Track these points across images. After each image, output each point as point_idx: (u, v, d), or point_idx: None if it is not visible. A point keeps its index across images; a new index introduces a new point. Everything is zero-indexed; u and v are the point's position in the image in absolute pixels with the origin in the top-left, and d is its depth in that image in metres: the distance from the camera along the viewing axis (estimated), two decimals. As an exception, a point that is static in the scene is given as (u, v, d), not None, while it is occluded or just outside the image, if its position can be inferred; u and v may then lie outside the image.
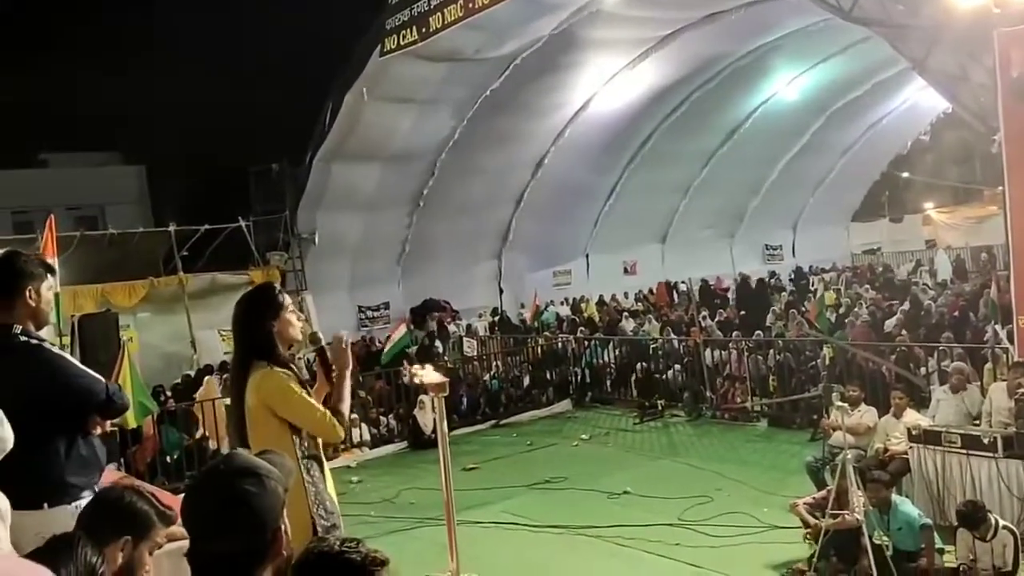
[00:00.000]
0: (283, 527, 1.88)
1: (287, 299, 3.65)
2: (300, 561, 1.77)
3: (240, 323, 3.60)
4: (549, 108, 18.07)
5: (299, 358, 3.82)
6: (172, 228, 15.74)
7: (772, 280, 24.13)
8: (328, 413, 3.49)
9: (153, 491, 1.90)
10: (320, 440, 3.64)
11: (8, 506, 1.73)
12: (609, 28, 15.12)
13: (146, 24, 23.49)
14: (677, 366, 14.12)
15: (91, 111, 22.29)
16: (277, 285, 3.95)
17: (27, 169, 22.10)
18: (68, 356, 3.35)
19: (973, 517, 6.18)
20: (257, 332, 3.52)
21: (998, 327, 9.91)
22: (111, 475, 3.76)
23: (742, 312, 18.45)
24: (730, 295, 21.98)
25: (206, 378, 12.89)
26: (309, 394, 3.57)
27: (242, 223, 16.41)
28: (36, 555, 2.06)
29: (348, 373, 3.68)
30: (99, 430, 3.31)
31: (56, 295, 4.48)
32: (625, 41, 16.13)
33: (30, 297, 3.14)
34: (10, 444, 2.50)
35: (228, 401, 11.93)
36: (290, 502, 1.96)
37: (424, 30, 13.70)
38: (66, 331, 9.92)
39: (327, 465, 3.69)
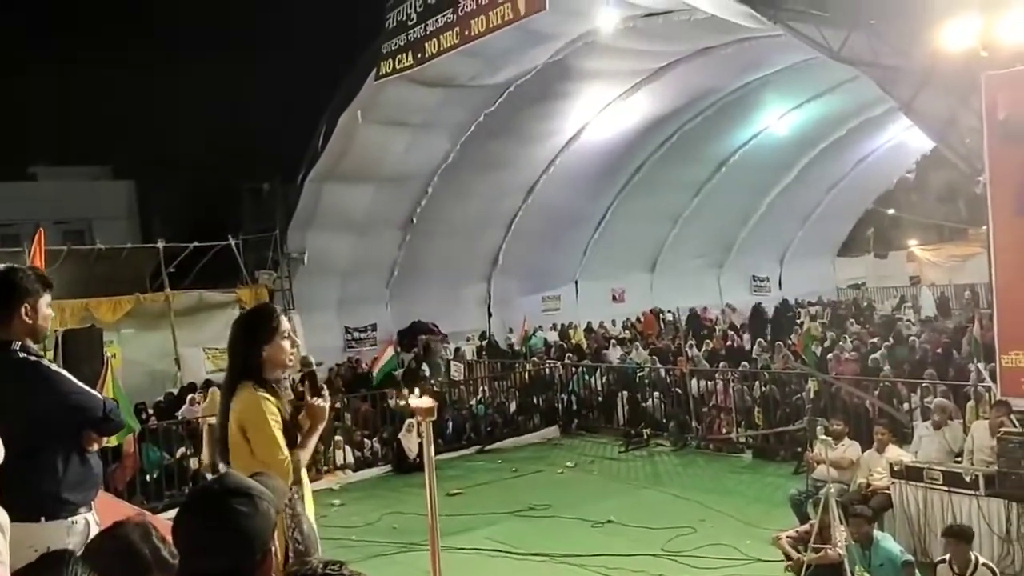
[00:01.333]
0: (273, 549, 1.89)
1: (284, 323, 3.61)
2: None
3: (233, 344, 3.60)
4: (542, 135, 18.21)
5: (284, 377, 3.75)
6: (160, 244, 15.69)
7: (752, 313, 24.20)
8: (288, 459, 3.41)
9: (164, 535, 1.89)
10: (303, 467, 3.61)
11: (7, 520, 1.73)
12: (603, 59, 15.29)
13: (142, 39, 23.60)
14: (658, 394, 14.14)
15: (83, 125, 22.32)
16: (277, 308, 3.91)
17: (16, 182, 22.00)
18: (65, 373, 3.33)
19: (967, 533, 6.23)
20: (247, 354, 3.51)
21: (980, 365, 9.99)
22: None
23: (759, 339, 18.49)
24: (719, 321, 22.03)
25: (211, 390, 12.74)
26: (296, 427, 3.54)
27: (231, 241, 16.39)
28: (28, 569, 2.06)
29: (320, 428, 3.64)
30: (95, 447, 3.30)
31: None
32: (619, 72, 16.31)
33: (26, 313, 3.14)
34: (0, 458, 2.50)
35: (211, 420, 11.88)
36: None
37: (420, 55, 13.80)
38: (50, 346, 9.84)
39: (308, 490, 3.66)
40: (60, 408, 3.13)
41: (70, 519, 3.06)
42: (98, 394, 3.32)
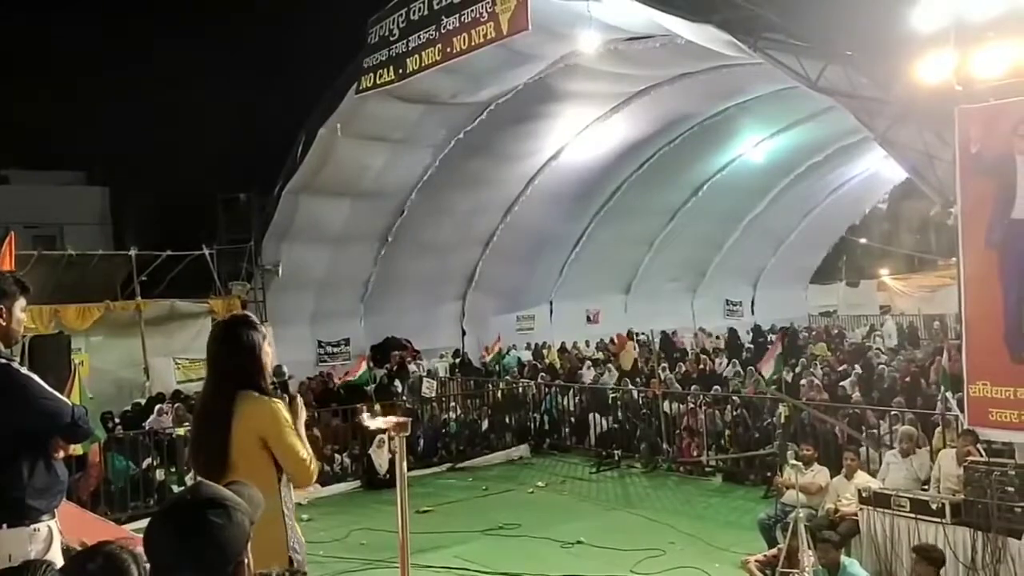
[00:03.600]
0: (246, 561, 1.86)
1: (265, 330, 3.62)
2: None
3: (226, 353, 3.46)
4: (522, 155, 18.29)
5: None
6: (133, 252, 15.48)
7: (729, 337, 24.39)
8: (313, 458, 3.41)
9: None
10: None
11: None
12: (584, 81, 15.42)
13: (118, 46, 23.39)
14: (631, 414, 14.16)
15: (57, 130, 22.06)
16: (255, 316, 3.87)
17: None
18: (36, 378, 3.28)
19: (938, 556, 6.29)
20: (244, 363, 3.41)
21: (949, 394, 10.12)
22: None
23: (732, 360, 18.64)
24: (693, 345, 22.13)
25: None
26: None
27: (205, 251, 16.22)
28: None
29: (302, 424, 3.59)
30: (62, 454, 3.24)
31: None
32: (598, 95, 16.44)
33: (1, 316, 3.09)
34: None
35: (180, 431, 11.70)
36: (269, 535, 1.94)
37: (401, 71, 13.82)
38: (17, 352, 9.67)
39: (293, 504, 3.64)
40: (28, 413, 3.08)
41: (32, 526, 3.00)
42: (67, 400, 3.26)
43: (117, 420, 13.11)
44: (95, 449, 10.62)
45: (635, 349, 19.98)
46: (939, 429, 9.92)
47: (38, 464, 3.12)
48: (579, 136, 18.02)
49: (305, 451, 3.41)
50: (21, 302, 3.20)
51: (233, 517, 1.83)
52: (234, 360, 3.43)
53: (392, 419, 4.44)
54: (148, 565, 1.83)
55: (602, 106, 17.04)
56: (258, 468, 3.28)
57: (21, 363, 9.35)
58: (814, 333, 24.12)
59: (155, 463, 11.68)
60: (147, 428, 12.51)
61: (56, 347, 10.46)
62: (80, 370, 10.70)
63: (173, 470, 11.83)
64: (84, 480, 11.04)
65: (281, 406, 3.41)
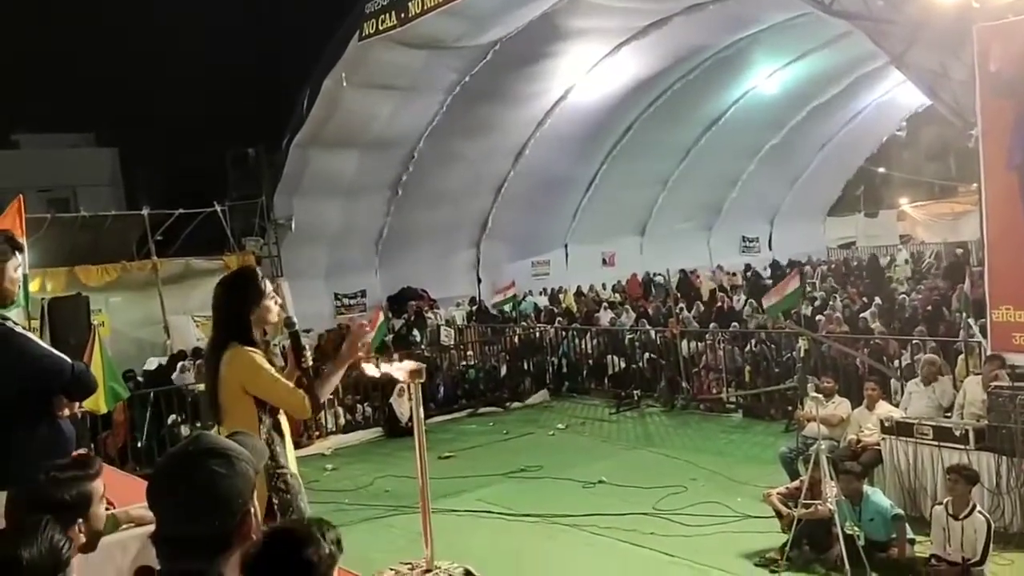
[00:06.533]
0: (252, 509, 1.83)
1: (268, 285, 3.67)
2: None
3: (220, 306, 3.63)
4: (529, 97, 17.99)
5: (274, 345, 3.82)
6: (146, 212, 15.48)
7: (748, 273, 24.25)
8: (296, 389, 3.52)
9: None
10: (284, 416, 3.66)
11: None
12: (590, 17, 15.05)
13: (123, 6, 23.09)
14: (650, 354, 14.15)
15: (65, 92, 21.95)
16: (259, 270, 3.92)
17: (-2, 150, 21.71)
18: (33, 336, 3.26)
19: (972, 475, 6.31)
20: (236, 316, 3.55)
21: (971, 320, 10.01)
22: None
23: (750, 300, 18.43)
24: (709, 282, 22.02)
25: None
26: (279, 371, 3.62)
27: (217, 208, 16.18)
28: (0, 536, 2.01)
29: (348, 363, 3.71)
30: (67, 412, 3.23)
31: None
32: (606, 30, 16.07)
33: None
34: None
35: (202, 387, 11.84)
36: None
37: (403, 15, 13.56)
38: (36, 314, 9.74)
39: (289, 443, 3.70)
40: (27, 372, 3.06)
41: None
42: (67, 357, 3.24)
43: (140, 379, 13.28)
44: (120, 407, 10.76)
45: (652, 291, 19.90)
46: (962, 356, 9.84)
47: (42, 423, 3.11)
48: (588, 75, 17.67)
49: (285, 386, 3.51)
50: (14, 261, 3.15)
51: (236, 466, 1.79)
52: (225, 313, 3.60)
53: (405, 364, 4.41)
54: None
55: (610, 42, 16.66)
56: (243, 416, 3.45)
57: (42, 325, 9.42)
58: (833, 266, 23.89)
59: (179, 419, 11.82)
60: (171, 385, 12.64)
61: (74, 309, 10.58)
62: (100, 331, 10.78)
63: (198, 425, 11.98)
64: (112, 438, 11.22)
65: (257, 354, 3.51)
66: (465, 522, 8.26)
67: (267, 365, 3.54)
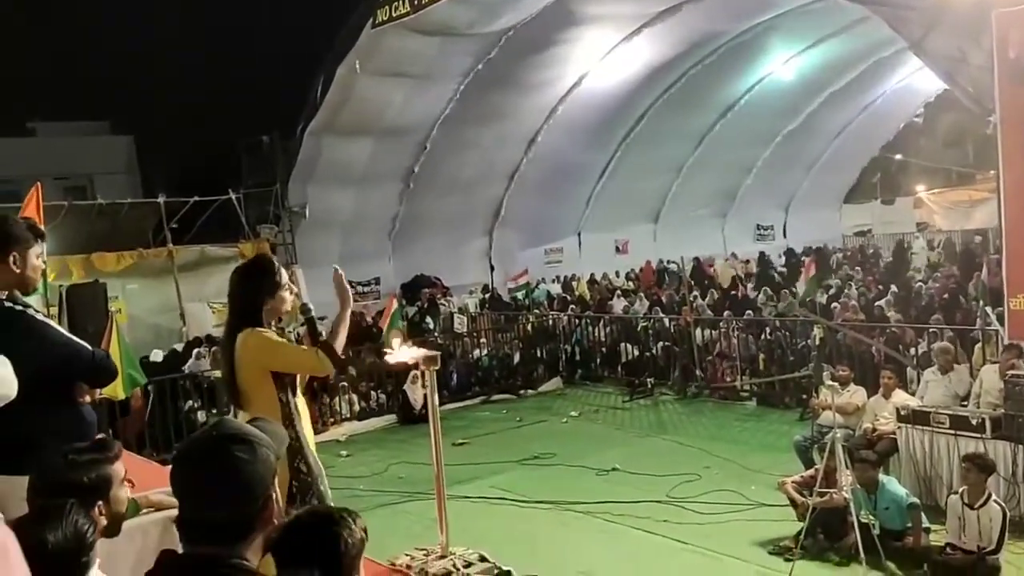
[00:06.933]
0: (274, 495, 1.85)
1: (284, 275, 3.72)
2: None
3: (235, 294, 3.70)
4: (542, 84, 17.92)
5: (288, 331, 3.87)
6: (161, 199, 15.57)
7: (762, 261, 24.18)
8: (314, 349, 3.59)
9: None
10: (303, 400, 3.71)
11: None
12: (605, 3, 14.97)
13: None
14: (664, 342, 14.12)
15: (81, 80, 22.06)
16: (275, 259, 3.98)
17: (14, 138, 21.83)
18: (53, 323, 3.29)
19: (988, 464, 6.29)
20: (250, 304, 3.61)
21: (988, 308, 9.94)
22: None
23: (764, 288, 18.33)
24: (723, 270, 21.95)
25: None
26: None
27: (232, 196, 16.26)
28: (26, 519, 2.04)
29: (348, 308, 3.85)
30: (87, 399, 3.26)
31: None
32: (620, 16, 15.97)
33: (14, 263, 3.07)
34: (14, 389, 2.47)
35: (217, 374, 11.95)
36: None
37: (416, 2, 13.52)
38: (54, 301, 9.83)
39: (309, 426, 3.76)
40: (48, 359, 3.09)
41: None
42: (87, 344, 3.27)
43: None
44: (137, 393, 10.85)
45: (666, 278, 19.85)
46: (979, 345, 9.78)
47: (63, 410, 3.14)
48: (602, 62, 17.58)
49: (301, 350, 3.63)
50: (36, 248, 3.18)
51: (258, 452, 1.81)
52: (240, 300, 3.67)
53: (419, 351, 4.45)
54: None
55: (625, 28, 16.55)
56: (264, 399, 3.52)
57: (60, 312, 9.49)
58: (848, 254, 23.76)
59: (195, 405, 11.91)
60: (186, 372, 12.75)
61: (92, 296, 10.68)
62: (117, 317, 10.87)
63: (213, 411, 12.07)
64: (129, 423, 11.32)
65: (269, 332, 3.58)
66: (479, 509, 8.30)
67: (279, 338, 3.62)
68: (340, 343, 3.69)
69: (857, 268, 20.69)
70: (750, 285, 19.19)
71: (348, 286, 3.89)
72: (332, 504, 3.38)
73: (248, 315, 3.59)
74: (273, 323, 3.68)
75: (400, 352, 4.81)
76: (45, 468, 2.36)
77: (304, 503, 3.38)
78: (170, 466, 1.88)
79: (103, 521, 2.28)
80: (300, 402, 3.71)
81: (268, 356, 3.54)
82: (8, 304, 3.10)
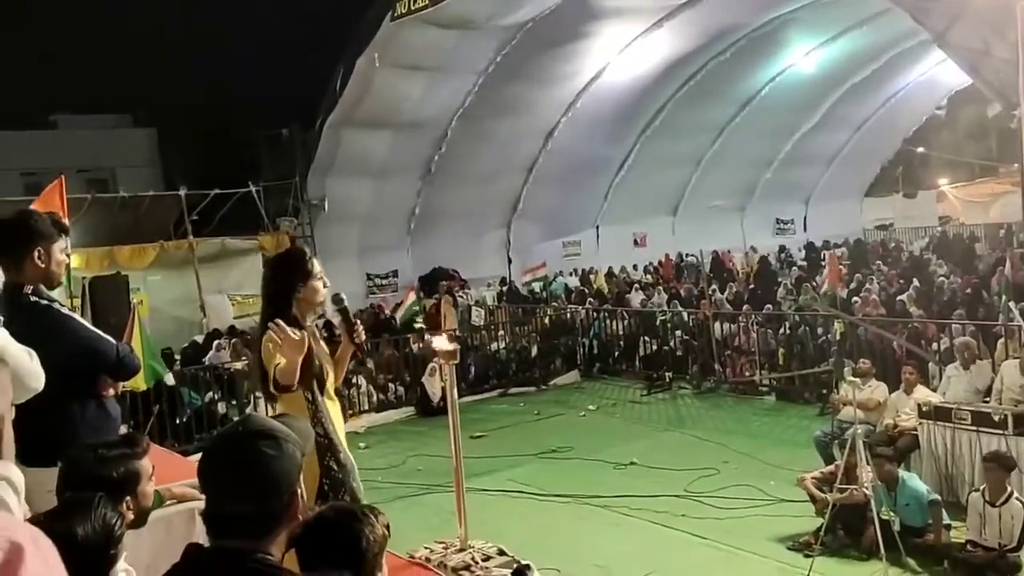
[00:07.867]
0: (299, 491, 1.87)
1: (316, 266, 3.70)
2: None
3: (267, 284, 3.71)
4: (561, 77, 17.89)
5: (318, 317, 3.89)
6: (183, 192, 15.69)
7: (782, 255, 24.03)
8: (280, 364, 3.42)
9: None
10: (332, 397, 3.74)
11: (22, 479, 1.73)
12: (624, -4, 14.93)
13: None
14: (682, 335, 14.08)
15: (102, 73, 22.21)
16: (308, 251, 3.99)
17: (37, 131, 22.04)
18: (78, 317, 3.32)
19: (1009, 461, 6.23)
20: (282, 294, 3.61)
21: (1011, 304, 9.83)
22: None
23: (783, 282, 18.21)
24: (743, 264, 21.85)
25: None
26: (317, 345, 3.68)
27: (252, 188, 16.36)
28: (52, 513, 2.07)
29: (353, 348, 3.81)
30: (111, 392, 3.30)
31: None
32: (640, 9, 15.91)
33: (39, 258, 3.10)
34: (41, 382, 2.50)
35: (238, 365, 12.01)
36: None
37: (436, -6, 13.55)
38: (76, 293, 9.94)
39: (339, 421, 3.78)
40: (74, 353, 3.12)
41: None
42: (111, 338, 3.31)
43: (178, 357, 13.50)
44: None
45: (684, 272, 19.76)
46: (1002, 340, 9.68)
47: (88, 403, 3.18)
48: (621, 55, 17.53)
49: (276, 367, 3.44)
50: (60, 243, 3.20)
51: (284, 448, 1.82)
52: (272, 290, 3.67)
53: (443, 340, 4.48)
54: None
55: (644, 22, 16.49)
56: (290, 396, 3.50)
57: (83, 304, 9.58)
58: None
59: (216, 397, 12.00)
60: (207, 363, 12.85)
61: (114, 288, 10.78)
62: (139, 309, 10.97)
63: (234, 403, 12.17)
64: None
65: (273, 336, 3.45)
66: (496, 502, 8.31)
67: (273, 349, 3.49)
68: (339, 374, 3.75)
69: (878, 263, 20.52)
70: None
71: (356, 320, 3.82)
72: (363, 500, 3.40)
73: (280, 304, 3.58)
74: (310, 316, 3.67)
75: (438, 340, 4.87)
76: (75, 462, 2.39)
77: (337, 500, 3.40)
78: (191, 457, 1.90)
79: (130, 516, 2.31)
80: (330, 401, 3.70)
81: (266, 359, 3.51)
82: (34, 299, 3.13)
